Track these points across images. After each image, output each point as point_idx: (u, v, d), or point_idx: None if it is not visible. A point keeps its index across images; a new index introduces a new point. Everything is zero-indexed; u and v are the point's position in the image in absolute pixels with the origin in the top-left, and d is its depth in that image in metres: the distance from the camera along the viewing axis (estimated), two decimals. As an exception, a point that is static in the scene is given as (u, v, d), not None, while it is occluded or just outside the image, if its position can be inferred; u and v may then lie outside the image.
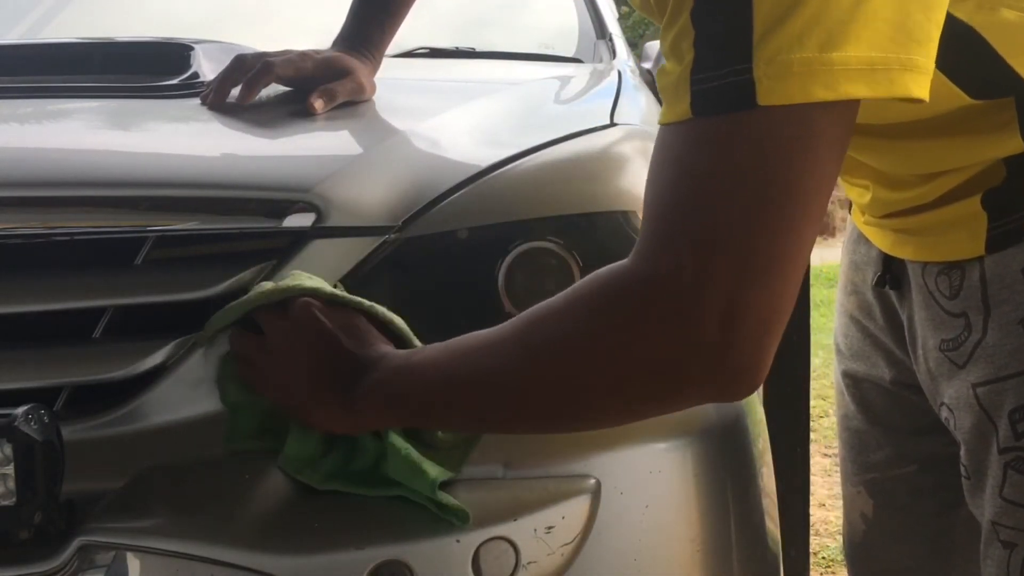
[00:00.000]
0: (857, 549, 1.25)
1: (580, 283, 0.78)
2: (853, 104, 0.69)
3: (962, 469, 1.00)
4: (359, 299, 0.91)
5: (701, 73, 0.69)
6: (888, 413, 1.17)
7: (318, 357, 0.88)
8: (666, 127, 0.72)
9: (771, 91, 0.66)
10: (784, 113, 0.67)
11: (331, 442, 0.90)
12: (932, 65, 0.70)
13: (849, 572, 1.30)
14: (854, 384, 1.20)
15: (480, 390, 0.81)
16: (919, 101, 0.70)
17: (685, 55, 0.70)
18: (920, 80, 0.69)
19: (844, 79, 0.67)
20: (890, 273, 1.06)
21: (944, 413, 1.01)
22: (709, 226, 0.69)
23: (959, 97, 0.86)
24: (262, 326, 0.91)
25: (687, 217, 0.70)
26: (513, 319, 0.81)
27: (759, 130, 0.67)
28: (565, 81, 1.54)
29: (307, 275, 0.92)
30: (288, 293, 0.90)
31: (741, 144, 0.68)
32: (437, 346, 0.85)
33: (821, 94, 0.66)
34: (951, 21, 0.79)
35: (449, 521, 0.88)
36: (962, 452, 0.99)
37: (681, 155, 0.71)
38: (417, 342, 0.91)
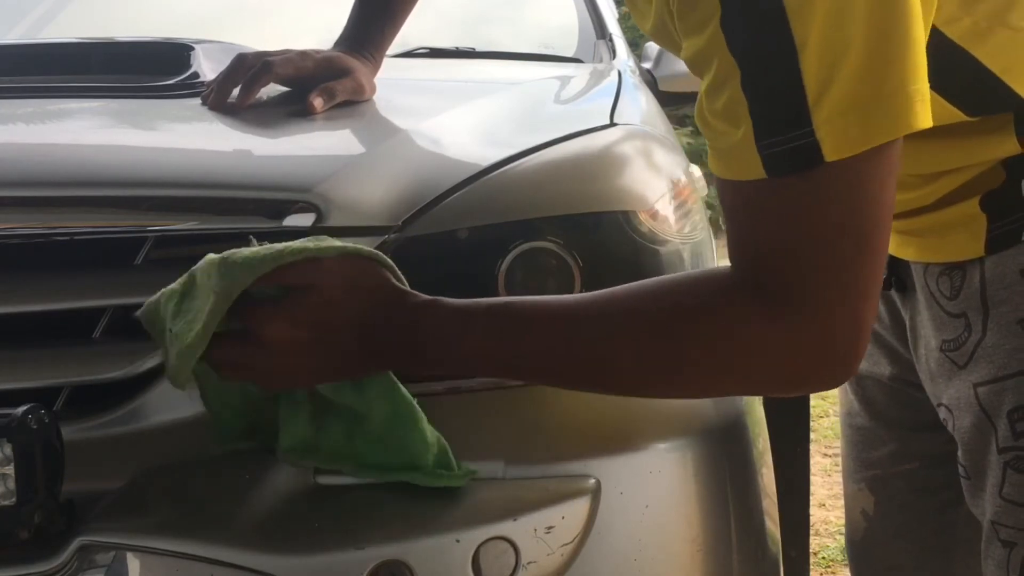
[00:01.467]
0: (858, 546, 1.25)
1: (692, 285, 0.83)
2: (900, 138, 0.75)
3: (960, 469, 1.00)
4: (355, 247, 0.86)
5: (765, 139, 0.74)
6: (891, 410, 1.17)
7: (354, 314, 0.83)
8: (741, 183, 0.77)
9: (836, 148, 0.72)
10: (853, 161, 0.73)
11: (323, 418, 0.89)
12: (927, 87, 0.75)
13: (851, 569, 1.30)
14: (857, 382, 1.20)
15: (578, 345, 0.83)
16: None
17: (742, 122, 0.74)
18: (927, 108, 0.75)
19: (894, 120, 0.73)
20: (895, 275, 1.06)
21: (943, 413, 1.01)
22: (820, 268, 0.76)
23: (956, 115, 0.88)
24: (249, 323, 0.84)
25: (798, 262, 0.76)
26: (622, 292, 0.84)
27: (837, 181, 0.74)
28: (565, 81, 1.54)
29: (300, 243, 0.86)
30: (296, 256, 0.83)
31: (825, 195, 0.74)
32: (524, 299, 0.87)
33: (879, 139, 0.72)
34: (946, 44, 0.81)
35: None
36: (960, 452, 0.99)
37: (769, 208, 0.76)
38: None
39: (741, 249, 0.79)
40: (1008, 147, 0.89)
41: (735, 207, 0.79)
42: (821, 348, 0.78)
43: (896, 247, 1.04)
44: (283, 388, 0.89)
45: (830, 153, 0.72)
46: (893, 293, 1.07)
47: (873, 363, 1.16)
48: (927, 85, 0.74)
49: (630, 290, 0.84)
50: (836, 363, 0.80)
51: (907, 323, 1.06)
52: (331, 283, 0.84)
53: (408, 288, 0.87)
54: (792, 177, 0.74)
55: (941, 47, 0.78)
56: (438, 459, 0.90)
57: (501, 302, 0.87)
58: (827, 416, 3.75)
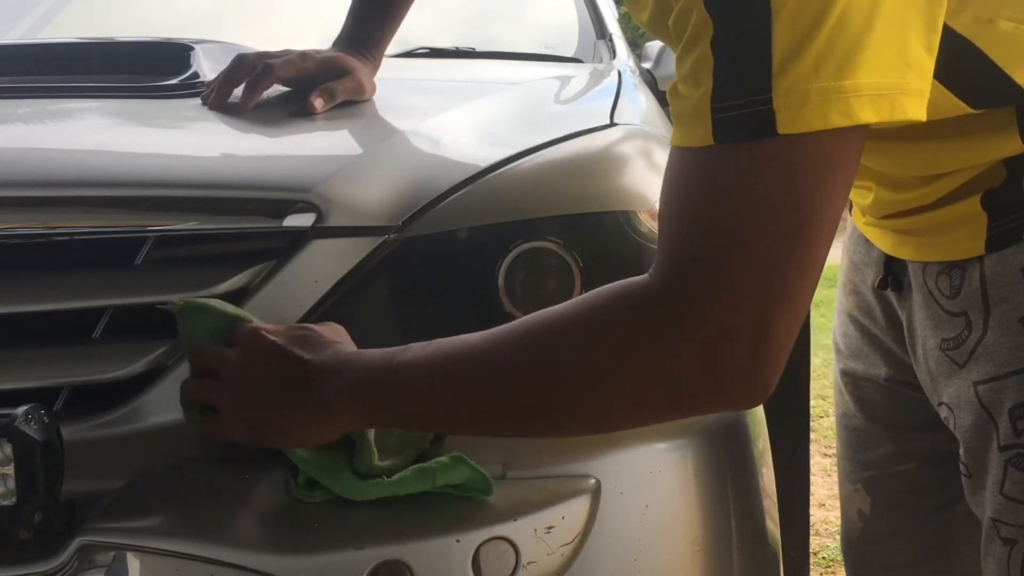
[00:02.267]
0: (855, 547, 1.26)
1: (591, 295, 0.79)
2: (862, 129, 0.71)
3: (962, 467, 1.00)
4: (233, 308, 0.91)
5: (721, 102, 0.71)
6: (887, 410, 1.17)
7: (272, 375, 0.87)
8: (684, 149, 0.74)
9: (791, 120, 0.69)
10: (803, 140, 0.69)
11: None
12: (926, 86, 0.73)
13: (847, 570, 1.30)
14: (853, 383, 1.20)
15: (477, 395, 0.81)
16: (919, 122, 0.73)
17: (703, 82, 0.72)
18: (916, 102, 0.72)
19: (857, 105, 0.69)
20: (891, 275, 1.06)
21: (944, 412, 1.01)
22: (740, 249, 0.72)
23: (959, 107, 0.87)
24: (210, 363, 0.89)
25: (717, 240, 0.72)
26: (514, 323, 0.82)
27: (781, 157, 0.70)
28: (565, 81, 1.54)
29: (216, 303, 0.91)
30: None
31: (765, 171, 0.71)
32: (421, 346, 0.84)
33: (837, 120, 0.69)
34: (949, 34, 0.80)
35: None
36: (962, 450, 0.99)
37: (705, 179, 0.73)
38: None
39: (660, 235, 0.76)
40: (1011, 146, 0.89)
41: (668, 186, 0.76)
42: (717, 354, 0.73)
43: (893, 246, 1.04)
44: (249, 437, 0.89)
45: (783, 125, 0.69)
46: (889, 293, 1.07)
47: (869, 364, 1.16)
48: (915, 81, 0.72)
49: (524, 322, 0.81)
50: (734, 376, 0.74)
51: (904, 323, 1.06)
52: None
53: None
54: (739, 144, 0.70)
55: (947, 38, 0.77)
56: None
57: (381, 362, 0.85)
58: (827, 416, 3.76)
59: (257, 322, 0.90)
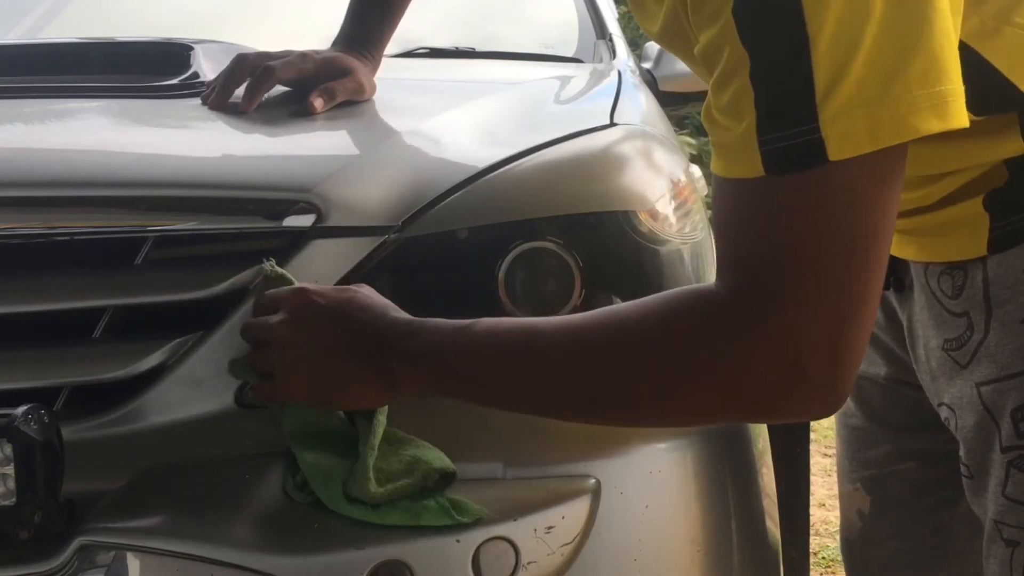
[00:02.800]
0: (853, 546, 1.25)
1: (664, 297, 0.81)
2: (908, 143, 0.72)
3: (963, 468, 1.00)
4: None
5: (767, 134, 0.72)
6: (886, 410, 1.17)
7: (334, 339, 0.88)
8: (735, 180, 0.75)
9: (841, 147, 0.70)
10: (856, 164, 0.70)
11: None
12: (961, 87, 0.73)
13: (846, 569, 1.30)
14: None
15: (547, 379, 0.82)
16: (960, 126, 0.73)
17: (745, 115, 0.73)
18: (957, 106, 0.73)
19: (903, 123, 0.70)
20: (893, 275, 1.06)
21: (944, 413, 1.01)
22: (808, 270, 0.72)
23: None
24: (262, 334, 0.90)
25: (785, 262, 0.73)
26: (589, 314, 0.83)
27: (836, 181, 0.71)
28: (565, 81, 1.54)
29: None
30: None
31: (822, 196, 0.71)
32: (491, 323, 0.85)
33: (887, 141, 0.70)
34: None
35: (455, 521, 0.88)
36: (963, 451, 0.99)
37: (763, 207, 0.74)
38: None
39: (722, 254, 0.77)
40: (1012, 147, 0.89)
41: (725, 209, 0.77)
42: (795, 368, 0.74)
43: (895, 247, 1.04)
44: (307, 397, 0.90)
45: (834, 152, 0.70)
46: (890, 293, 1.07)
47: (869, 363, 1.16)
48: (953, 86, 0.72)
49: (606, 312, 0.83)
50: (811, 387, 0.75)
51: (904, 323, 1.06)
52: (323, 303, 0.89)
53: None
54: (790, 176, 0.72)
55: None
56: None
57: (454, 334, 0.86)
58: (827, 416, 3.75)
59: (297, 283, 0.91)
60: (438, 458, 0.89)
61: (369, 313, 0.88)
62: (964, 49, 0.83)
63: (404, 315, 0.89)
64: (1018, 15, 0.85)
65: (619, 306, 0.83)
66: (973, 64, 0.85)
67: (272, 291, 0.91)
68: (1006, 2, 0.86)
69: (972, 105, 0.86)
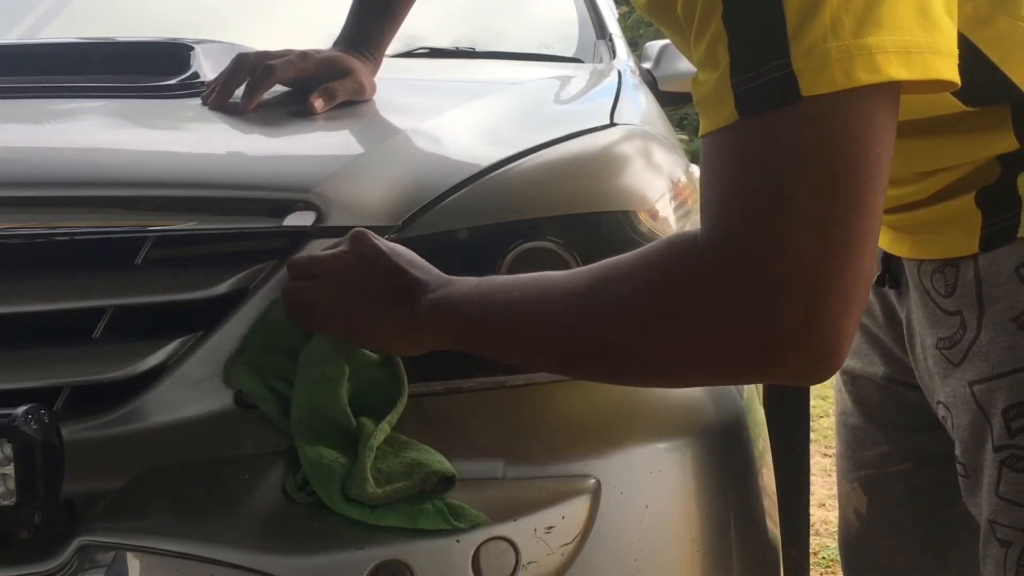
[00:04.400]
0: (852, 546, 1.26)
1: (657, 244, 0.78)
2: (895, 88, 0.70)
3: (959, 467, 1.00)
4: None
5: (741, 75, 0.70)
6: (885, 410, 1.17)
7: (376, 276, 0.90)
8: (714, 134, 0.73)
9: (814, 81, 0.67)
10: (831, 101, 0.68)
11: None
12: (955, 50, 0.71)
13: (843, 569, 1.30)
14: (851, 381, 1.20)
15: (547, 331, 0.82)
16: (952, 85, 0.71)
17: (720, 60, 0.71)
18: (949, 63, 0.70)
19: (884, 62, 0.68)
20: (889, 272, 1.06)
21: (941, 411, 1.01)
22: (786, 206, 0.69)
23: (953, 104, 0.87)
24: (311, 269, 0.92)
25: (763, 200, 0.70)
26: (588, 269, 0.82)
27: (811, 117, 0.68)
28: (565, 81, 1.54)
29: None
30: None
31: (795, 135, 0.69)
32: (512, 277, 0.86)
33: (864, 78, 0.67)
34: None
35: (451, 526, 0.88)
36: (958, 450, 0.99)
37: (740, 154, 0.71)
38: None
39: (707, 205, 0.74)
40: (1005, 144, 0.89)
41: (706, 166, 0.74)
42: (774, 316, 0.70)
43: (889, 244, 1.04)
44: (336, 328, 0.91)
45: (807, 87, 0.67)
46: (888, 291, 1.07)
47: (867, 363, 1.16)
48: (939, 41, 0.70)
49: (599, 267, 0.81)
50: (791, 337, 0.71)
51: (904, 321, 1.06)
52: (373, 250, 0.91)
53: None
54: (765, 115, 0.69)
55: None
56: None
57: (472, 286, 0.88)
58: (827, 416, 3.76)
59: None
60: (438, 461, 0.89)
61: (415, 266, 0.90)
62: (960, 39, 0.83)
63: (438, 273, 0.90)
64: (1011, 4, 0.85)
65: (614, 259, 0.80)
66: (966, 54, 0.84)
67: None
68: None
69: (965, 96, 0.86)
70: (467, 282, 0.88)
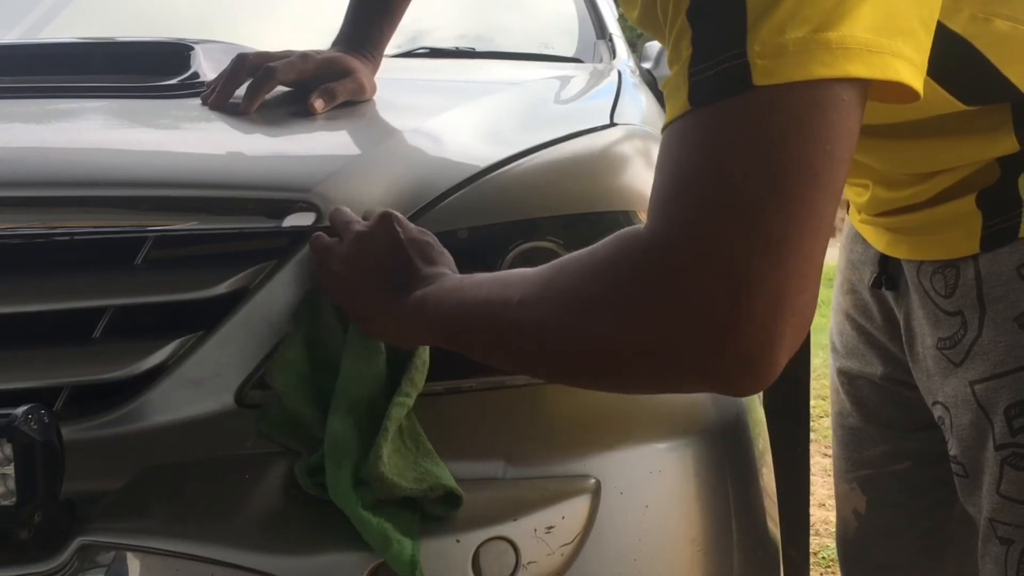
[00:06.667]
0: (850, 546, 1.26)
1: (605, 242, 0.76)
2: (854, 86, 0.68)
3: (956, 467, 1.00)
4: None
5: (698, 65, 0.69)
6: (883, 410, 1.17)
7: (386, 262, 0.91)
8: (669, 127, 0.71)
9: (767, 71, 0.66)
10: (783, 92, 0.66)
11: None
12: (922, 60, 0.70)
13: (842, 569, 1.30)
14: (849, 381, 1.20)
15: (508, 323, 0.80)
16: (913, 93, 0.69)
17: (683, 53, 0.70)
18: (912, 70, 0.69)
19: (843, 58, 0.66)
20: (886, 274, 1.06)
21: (938, 411, 1.01)
22: (719, 196, 0.67)
23: (951, 103, 0.87)
24: (340, 232, 0.93)
25: (697, 190, 0.68)
26: (551, 263, 0.80)
27: (759, 109, 0.66)
28: (565, 81, 1.54)
29: None
30: None
31: (742, 123, 0.67)
32: (486, 275, 0.86)
33: (819, 71, 0.65)
34: (944, 33, 0.79)
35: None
36: (957, 450, 0.99)
37: (686, 142, 0.70)
38: None
39: (652, 195, 0.71)
40: (1006, 145, 0.89)
41: (658, 156, 0.72)
42: (701, 314, 0.67)
43: (887, 245, 1.04)
44: (342, 300, 0.93)
45: (759, 76, 0.65)
46: (886, 292, 1.08)
47: (865, 363, 1.17)
48: (911, 51, 0.68)
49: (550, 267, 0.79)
50: (715, 330, 0.67)
51: (901, 322, 1.06)
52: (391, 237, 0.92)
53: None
54: (715, 104, 0.67)
55: (940, 37, 0.76)
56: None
57: (455, 283, 0.87)
58: (827, 416, 3.76)
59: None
60: (449, 478, 0.89)
61: (425, 261, 0.91)
62: (957, 40, 0.83)
63: (445, 269, 0.90)
64: (1005, 8, 0.85)
65: (572, 255, 0.78)
66: (966, 55, 0.84)
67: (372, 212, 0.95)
68: None
69: (963, 95, 0.86)
70: (453, 279, 0.88)
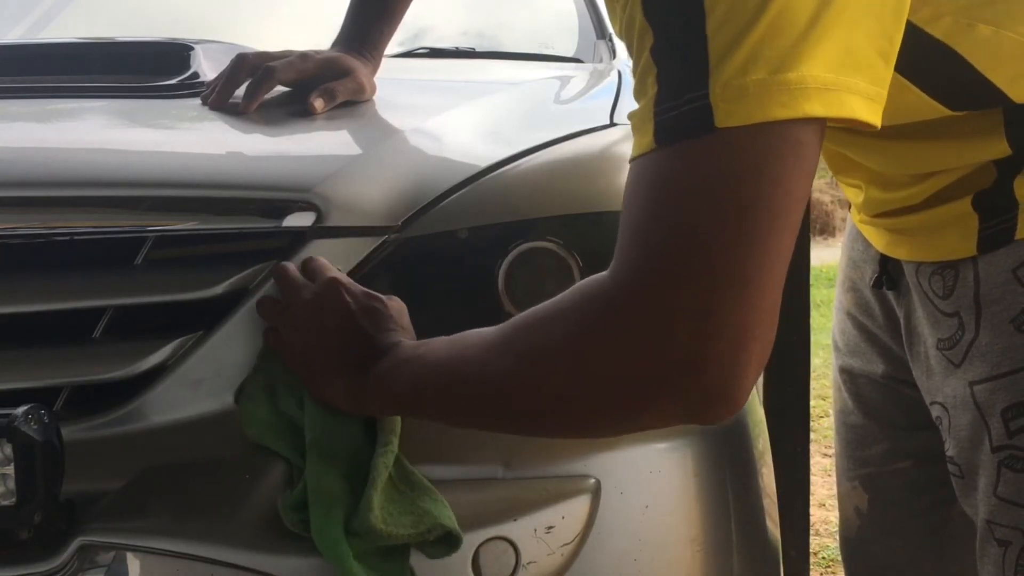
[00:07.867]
0: (852, 544, 1.26)
1: (567, 292, 0.78)
2: (812, 124, 0.69)
3: (952, 468, 1.00)
4: None
5: (662, 104, 0.70)
6: (884, 408, 1.17)
7: (335, 335, 0.90)
8: (635, 161, 0.73)
9: (729, 114, 0.67)
10: (744, 134, 0.68)
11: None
12: (879, 92, 0.72)
13: (844, 567, 1.30)
14: (851, 380, 1.20)
15: (470, 388, 0.81)
16: (871, 127, 0.71)
17: (649, 90, 0.72)
18: (867, 105, 0.70)
19: (801, 98, 0.68)
20: (887, 274, 1.06)
21: (936, 411, 1.01)
22: (681, 236, 0.69)
23: (938, 110, 0.87)
24: (285, 296, 0.92)
25: (659, 230, 0.70)
26: (508, 321, 0.81)
27: (720, 151, 0.68)
28: (565, 81, 1.54)
29: None
30: None
31: (703, 165, 0.68)
32: (443, 340, 0.85)
33: (778, 113, 0.67)
34: (927, 39, 0.80)
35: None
36: (953, 451, 0.99)
37: (648, 181, 0.71)
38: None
39: (619, 232, 0.73)
40: (998, 149, 0.89)
41: (625, 192, 0.74)
42: (663, 339, 0.69)
43: (888, 245, 1.04)
44: (294, 367, 0.92)
45: (721, 119, 0.67)
46: (887, 291, 1.08)
47: (867, 361, 1.17)
48: (867, 85, 0.70)
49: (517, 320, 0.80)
50: (677, 365, 0.69)
51: (902, 322, 1.06)
52: (345, 298, 0.91)
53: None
54: (678, 144, 0.68)
55: (923, 44, 0.77)
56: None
57: (410, 353, 0.86)
58: (827, 416, 3.76)
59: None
60: (448, 517, 0.87)
61: (377, 328, 0.89)
62: (938, 47, 0.83)
63: (399, 337, 0.89)
64: (987, 13, 0.85)
65: (531, 310, 0.79)
66: (949, 61, 0.84)
67: (317, 263, 0.93)
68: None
69: (948, 101, 0.86)
70: (407, 348, 0.87)
